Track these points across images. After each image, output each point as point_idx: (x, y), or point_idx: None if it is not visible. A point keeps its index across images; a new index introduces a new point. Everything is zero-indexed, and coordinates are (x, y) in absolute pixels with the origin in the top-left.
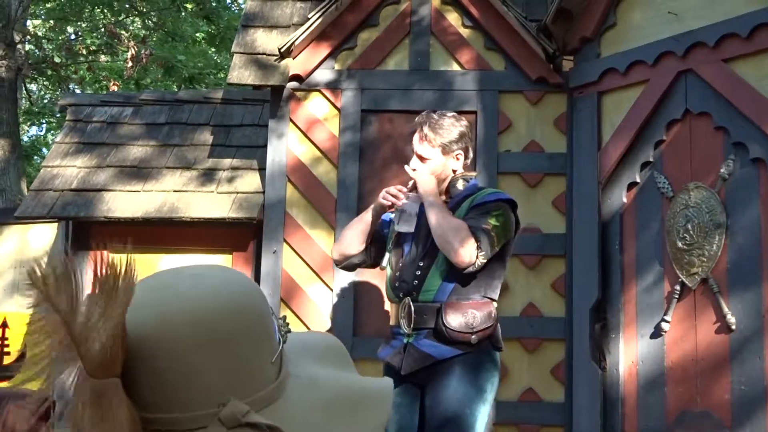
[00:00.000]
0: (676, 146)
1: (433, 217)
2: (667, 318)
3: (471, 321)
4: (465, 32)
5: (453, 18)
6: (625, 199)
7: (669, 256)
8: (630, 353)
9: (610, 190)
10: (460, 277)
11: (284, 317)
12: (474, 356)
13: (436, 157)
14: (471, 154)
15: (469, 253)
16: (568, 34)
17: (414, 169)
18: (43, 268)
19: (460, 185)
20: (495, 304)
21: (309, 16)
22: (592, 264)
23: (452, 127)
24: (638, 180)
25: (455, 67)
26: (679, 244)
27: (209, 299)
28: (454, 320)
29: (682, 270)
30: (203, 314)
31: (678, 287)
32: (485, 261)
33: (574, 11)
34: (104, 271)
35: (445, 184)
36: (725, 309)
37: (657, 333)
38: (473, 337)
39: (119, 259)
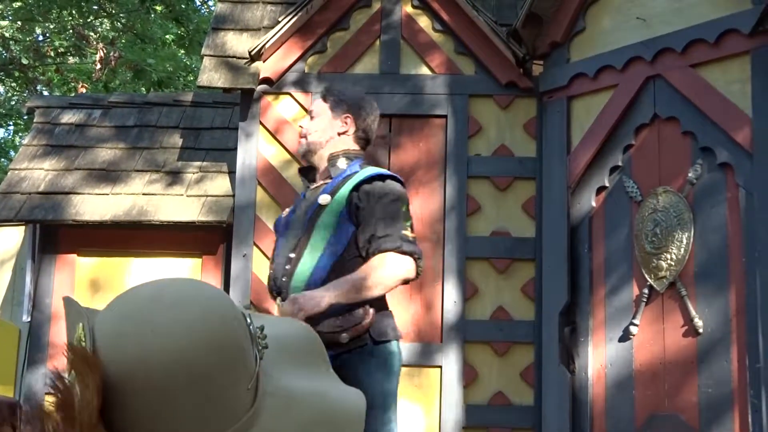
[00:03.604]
0: (644, 151)
1: (355, 298)
2: (636, 321)
3: (338, 319)
4: (435, 36)
5: (423, 22)
6: (594, 203)
7: (637, 260)
8: (599, 356)
9: (579, 194)
10: (325, 271)
11: (262, 327)
12: (353, 356)
13: (324, 112)
14: (365, 135)
15: (413, 270)
16: (538, 38)
17: (300, 126)
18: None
19: (341, 163)
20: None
21: (279, 18)
22: (561, 268)
23: (354, 94)
24: (607, 184)
25: (425, 71)
26: (648, 248)
27: (188, 337)
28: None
29: (650, 274)
30: (182, 353)
31: (646, 291)
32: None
33: (544, 16)
34: (71, 363)
35: (326, 151)
36: (693, 312)
37: (625, 336)
38: (343, 335)
39: (78, 352)
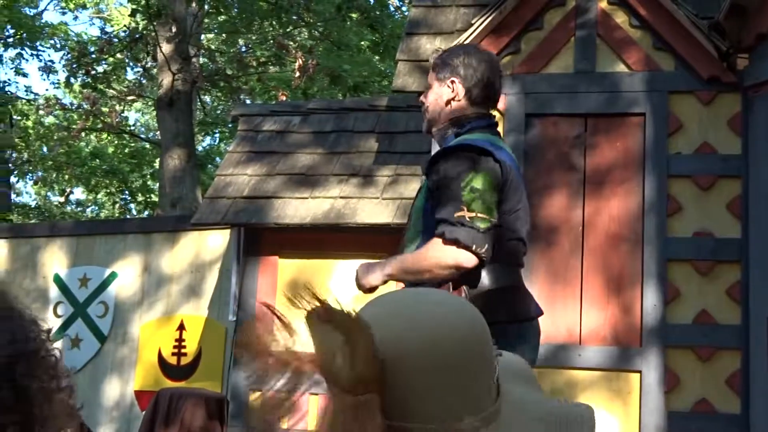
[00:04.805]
0: None
1: (406, 277)
2: None
3: None
4: (632, 32)
5: (620, 18)
6: None
7: None
8: None
9: None
10: None
11: (496, 341)
12: None
13: (433, 82)
14: (481, 92)
15: (463, 259)
16: (743, 30)
17: (422, 101)
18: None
19: (448, 135)
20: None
21: (472, 21)
22: None
23: (456, 50)
24: None
25: (622, 68)
26: None
27: (448, 328)
28: None
29: None
30: (442, 341)
31: None
32: (488, 246)
33: (749, 7)
34: (326, 314)
35: (442, 123)
36: None
37: None
38: None
39: (334, 301)
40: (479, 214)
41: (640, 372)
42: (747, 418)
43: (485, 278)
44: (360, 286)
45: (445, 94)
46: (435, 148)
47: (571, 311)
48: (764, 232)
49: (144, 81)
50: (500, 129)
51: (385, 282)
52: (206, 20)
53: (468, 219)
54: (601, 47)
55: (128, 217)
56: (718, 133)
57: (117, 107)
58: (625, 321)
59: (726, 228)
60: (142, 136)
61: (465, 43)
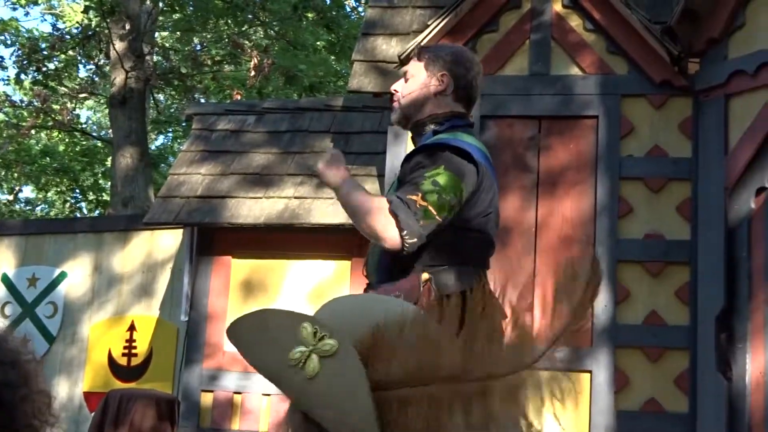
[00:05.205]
0: None
1: (347, 203)
2: None
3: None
4: (587, 36)
5: (574, 21)
6: (753, 205)
7: None
8: (758, 363)
9: (737, 196)
10: (388, 257)
11: None
12: None
13: (419, 72)
14: (467, 93)
15: (391, 235)
16: (694, 35)
17: (396, 91)
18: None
19: (427, 130)
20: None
21: (428, 23)
22: (717, 271)
23: (452, 49)
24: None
25: (576, 71)
26: None
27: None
28: None
29: None
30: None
31: None
32: (416, 240)
33: (701, 12)
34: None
35: (421, 116)
36: None
37: None
38: None
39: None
40: (430, 207)
41: (590, 372)
42: (695, 417)
43: (455, 280)
44: (318, 168)
45: (433, 86)
46: (392, 149)
47: None
48: (713, 234)
49: (96, 78)
50: None
51: (334, 187)
52: (161, 18)
53: (417, 206)
54: (555, 50)
55: (79, 216)
56: (669, 137)
57: (68, 105)
58: None
59: (676, 230)
60: (94, 134)
61: (423, 43)
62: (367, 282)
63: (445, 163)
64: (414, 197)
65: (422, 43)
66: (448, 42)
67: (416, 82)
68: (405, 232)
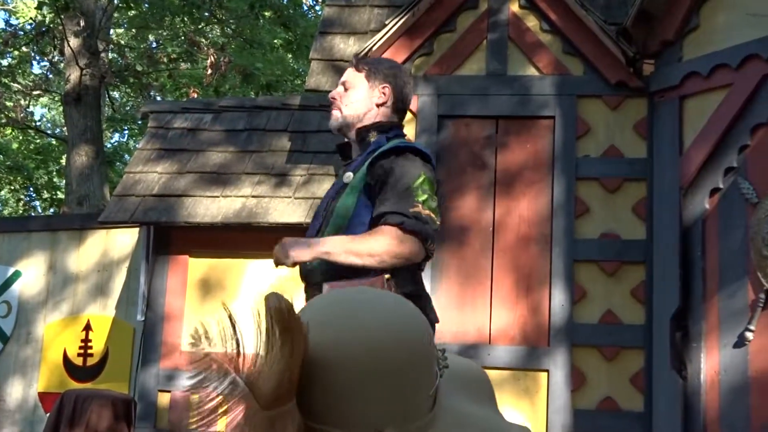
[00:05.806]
0: (761, 151)
1: (350, 253)
2: (751, 327)
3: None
4: (543, 36)
5: (531, 22)
6: (707, 205)
7: (753, 264)
8: (712, 362)
9: (692, 196)
10: None
11: (443, 350)
12: None
13: (360, 83)
14: (403, 105)
15: (418, 251)
16: (649, 37)
17: (333, 98)
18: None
19: (373, 137)
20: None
21: (386, 22)
22: (672, 271)
23: (389, 63)
24: (721, 186)
25: (533, 71)
26: (764, 252)
27: (386, 331)
28: None
29: (766, 278)
30: (379, 345)
31: (762, 295)
32: (435, 245)
33: (656, 14)
34: (271, 318)
35: (362, 124)
36: None
37: (740, 342)
38: None
39: (284, 305)
40: (431, 214)
41: (547, 371)
42: (650, 415)
43: (410, 279)
44: (284, 258)
45: (376, 97)
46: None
47: (480, 311)
48: (668, 234)
49: (50, 75)
50: (413, 130)
51: (313, 259)
52: (116, 15)
53: (424, 215)
54: (512, 50)
55: (33, 214)
56: (624, 137)
57: (22, 102)
58: (534, 321)
59: (631, 230)
60: (48, 131)
61: (378, 46)
62: (306, 283)
63: (422, 168)
64: (417, 209)
65: (380, 41)
66: (406, 41)
67: (359, 93)
68: (429, 243)
